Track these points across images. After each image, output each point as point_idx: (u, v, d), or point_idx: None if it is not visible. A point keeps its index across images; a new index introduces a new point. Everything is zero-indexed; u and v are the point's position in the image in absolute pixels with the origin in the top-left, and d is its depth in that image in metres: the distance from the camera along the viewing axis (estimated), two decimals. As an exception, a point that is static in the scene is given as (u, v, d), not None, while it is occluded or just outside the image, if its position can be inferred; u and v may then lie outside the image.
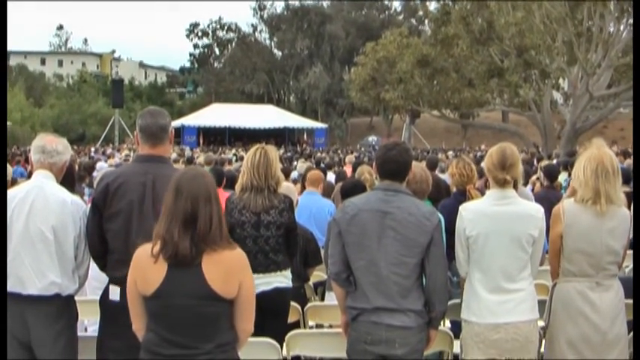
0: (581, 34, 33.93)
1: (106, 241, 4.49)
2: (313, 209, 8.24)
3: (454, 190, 6.69)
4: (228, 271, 3.53)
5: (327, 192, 9.81)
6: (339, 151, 40.35)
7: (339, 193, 8.03)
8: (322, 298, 7.06)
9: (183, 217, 3.47)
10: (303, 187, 9.11)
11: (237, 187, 5.64)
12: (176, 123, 52.82)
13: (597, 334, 4.59)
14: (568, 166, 13.29)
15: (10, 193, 4.61)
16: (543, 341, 4.95)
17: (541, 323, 4.83)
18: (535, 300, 4.66)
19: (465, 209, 4.72)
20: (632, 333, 4.82)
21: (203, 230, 3.47)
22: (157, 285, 3.47)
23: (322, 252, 6.81)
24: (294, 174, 14.96)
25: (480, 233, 4.57)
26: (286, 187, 6.36)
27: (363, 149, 47.37)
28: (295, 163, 20.60)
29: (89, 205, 4.68)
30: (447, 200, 6.64)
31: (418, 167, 5.78)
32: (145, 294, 3.53)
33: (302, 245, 6.41)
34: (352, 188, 6.83)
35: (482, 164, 5.06)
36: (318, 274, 7.34)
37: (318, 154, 31.28)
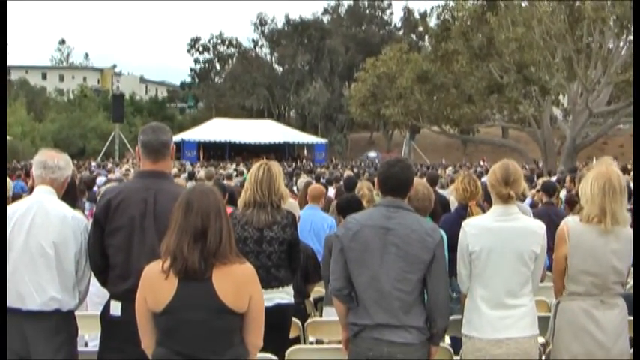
0: (580, 50, 34.07)
1: (107, 257, 4.48)
2: (313, 223, 8.27)
3: (456, 204, 6.69)
4: (238, 284, 3.58)
5: (327, 207, 9.82)
6: (339, 167, 40.34)
7: (335, 209, 8.04)
8: (322, 314, 7.04)
9: (194, 231, 3.53)
10: (303, 202, 9.12)
11: (240, 202, 5.64)
12: (176, 138, 52.87)
13: (601, 351, 4.57)
14: (561, 181, 13.41)
15: (11, 208, 4.61)
16: (543, 357, 4.95)
17: (541, 339, 4.83)
18: (535, 316, 4.66)
19: (468, 225, 4.71)
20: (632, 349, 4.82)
21: (213, 245, 3.53)
22: (168, 300, 3.52)
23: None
24: (294, 187, 14.98)
25: (482, 249, 4.56)
26: (289, 203, 6.35)
27: (363, 164, 47.35)
28: (295, 178, 20.57)
29: (90, 220, 4.68)
30: (448, 215, 6.63)
31: (421, 185, 5.77)
32: (156, 310, 3.56)
33: (303, 261, 6.39)
34: (347, 204, 6.84)
35: (484, 179, 5.05)
36: (317, 290, 7.33)
37: (318, 170, 31.29)
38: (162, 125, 4.77)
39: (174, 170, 21.45)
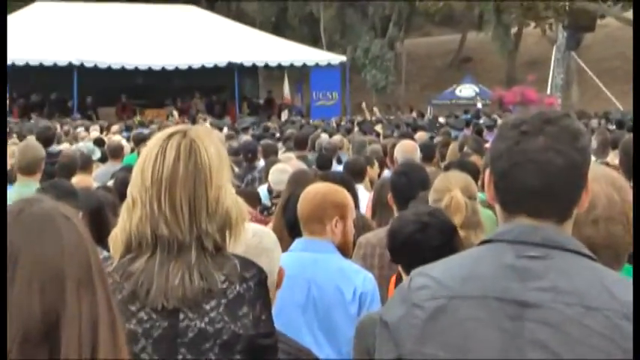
0: None
1: None
2: (315, 286, 8.32)
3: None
4: None
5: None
6: (377, 121, 40.55)
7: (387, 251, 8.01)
8: None
9: (24, 329, 3.43)
10: (291, 230, 9.08)
11: (117, 238, 5.59)
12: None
13: None
14: None
15: None
16: None
17: None
18: None
19: None
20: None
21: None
22: None
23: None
24: (261, 189, 15.10)
25: None
26: (254, 234, 6.21)
27: (439, 120, 47.64)
28: (262, 160, 20.62)
29: None
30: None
31: (605, 180, 5.66)
32: None
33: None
34: (413, 240, 6.84)
35: None
36: None
37: (322, 134, 31.28)
38: None
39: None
